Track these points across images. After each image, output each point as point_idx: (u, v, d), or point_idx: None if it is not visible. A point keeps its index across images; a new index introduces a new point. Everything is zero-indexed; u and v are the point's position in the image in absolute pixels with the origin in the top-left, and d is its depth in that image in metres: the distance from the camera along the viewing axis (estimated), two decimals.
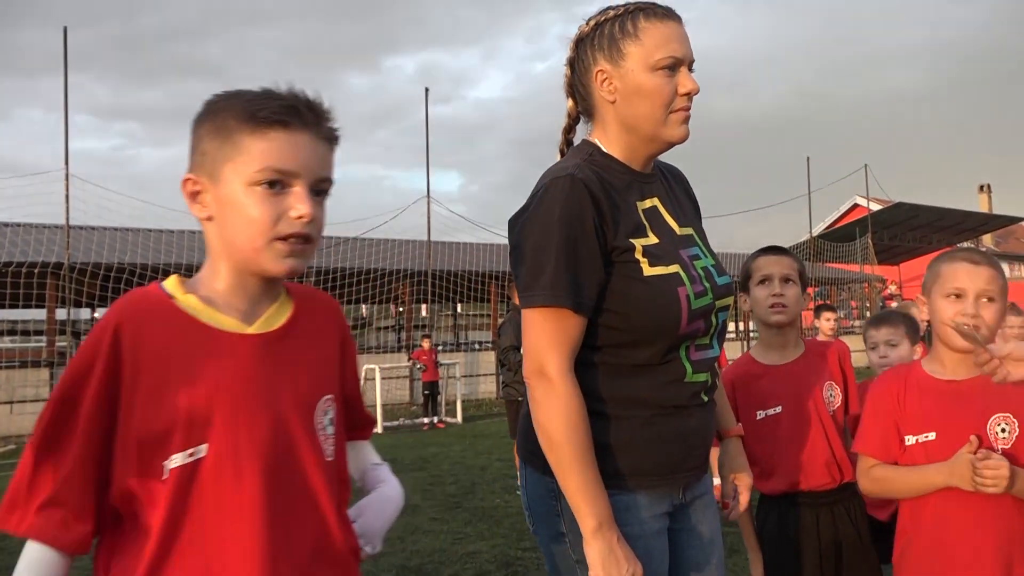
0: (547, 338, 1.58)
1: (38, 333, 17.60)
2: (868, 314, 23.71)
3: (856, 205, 33.46)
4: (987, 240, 36.78)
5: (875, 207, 27.40)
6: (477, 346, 21.22)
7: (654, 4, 1.68)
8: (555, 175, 1.63)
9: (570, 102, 1.78)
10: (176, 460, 1.18)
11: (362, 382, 13.49)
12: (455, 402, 13.91)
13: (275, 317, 1.31)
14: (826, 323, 6.46)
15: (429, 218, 17.84)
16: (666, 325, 1.62)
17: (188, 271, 1.41)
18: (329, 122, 1.29)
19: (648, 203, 1.72)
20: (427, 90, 18.49)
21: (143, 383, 1.18)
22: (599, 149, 1.72)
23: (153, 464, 1.18)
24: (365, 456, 1.55)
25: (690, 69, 1.68)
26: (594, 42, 1.69)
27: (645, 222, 1.68)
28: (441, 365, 13.80)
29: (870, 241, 26.29)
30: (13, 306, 15.29)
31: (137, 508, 1.19)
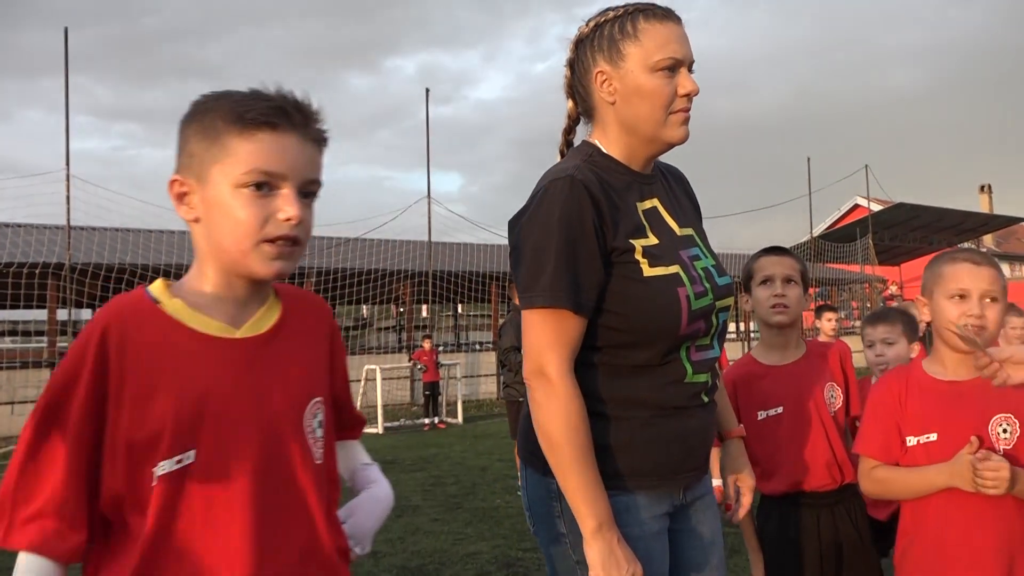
0: (547, 339, 1.58)
1: (39, 334, 17.62)
2: None
3: (857, 205, 33.44)
4: (988, 240, 36.78)
5: (876, 207, 27.40)
6: (478, 347, 21.23)
7: (653, 5, 1.68)
8: (555, 176, 1.63)
9: (570, 103, 1.78)
10: (164, 467, 1.17)
11: (363, 383, 13.51)
12: (456, 403, 13.91)
13: (263, 320, 1.30)
14: (827, 323, 6.46)
15: (430, 218, 17.87)
16: (666, 326, 1.62)
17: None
18: (317, 123, 1.27)
19: (648, 204, 1.71)
20: (428, 91, 18.54)
21: (129, 390, 1.17)
22: (599, 150, 1.72)
23: (141, 471, 1.17)
24: (355, 456, 1.54)
25: (690, 70, 1.68)
26: (594, 43, 1.68)
27: (645, 223, 1.68)
28: (442, 366, 13.80)
29: (871, 241, 26.29)
30: (14, 307, 15.30)
31: (125, 515, 1.18)
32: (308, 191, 1.26)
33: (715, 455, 1.91)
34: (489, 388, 17.74)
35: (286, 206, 1.21)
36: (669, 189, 1.81)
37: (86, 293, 14.00)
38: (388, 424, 12.78)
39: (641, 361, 1.63)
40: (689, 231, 1.76)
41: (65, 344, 15.17)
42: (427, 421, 13.05)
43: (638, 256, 1.63)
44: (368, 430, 12.15)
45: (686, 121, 1.68)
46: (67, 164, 13.75)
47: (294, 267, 1.26)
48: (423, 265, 18.00)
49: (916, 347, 3.11)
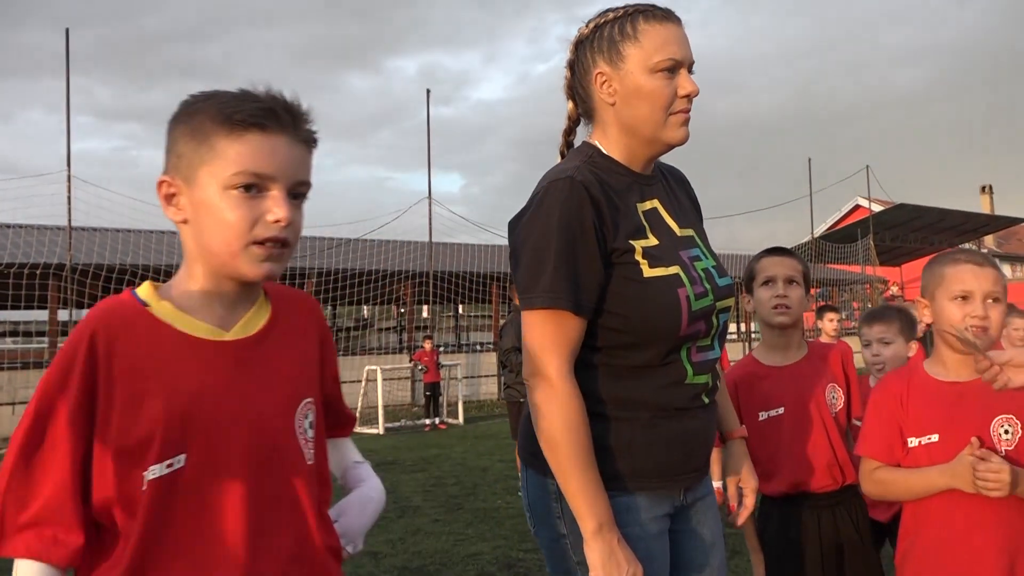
0: (547, 340, 1.57)
1: (40, 334, 17.64)
2: None
3: (858, 206, 33.43)
4: (989, 241, 36.76)
5: (877, 208, 27.40)
6: (479, 347, 21.24)
7: (653, 6, 1.68)
8: (554, 177, 1.63)
9: (570, 104, 1.78)
10: (154, 471, 1.16)
11: (364, 383, 13.48)
12: (457, 403, 13.91)
13: (253, 322, 1.29)
14: (829, 324, 6.46)
15: (431, 219, 17.89)
16: (666, 326, 1.61)
17: None
18: (307, 124, 1.26)
19: (648, 205, 1.71)
20: (428, 91, 18.58)
21: (118, 394, 1.16)
22: (599, 151, 1.72)
23: (131, 475, 1.16)
24: (346, 454, 1.54)
25: (690, 71, 1.67)
26: (594, 44, 1.68)
27: (645, 224, 1.68)
28: (443, 366, 13.80)
29: (872, 242, 26.30)
30: (15, 307, 15.33)
31: (116, 519, 1.17)
32: (297, 192, 1.25)
33: (715, 456, 1.91)
34: (490, 389, 17.73)
35: (275, 208, 1.20)
36: (669, 190, 1.81)
37: (87, 294, 14.00)
38: (389, 425, 12.78)
39: (641, 362, 1.63)
40: (689, 232, 1.76)
41: None
42: (428, 422, 13.05)
43: (638, 257, 1.63)
44: (369, 431, 12.18)
45: (686, 122, 1.68)
46: (68, 165, 13.78)
47: (283, 269, 1.26)
48: (424, 266, 18.01)
49: (914, 346, 3.09)
